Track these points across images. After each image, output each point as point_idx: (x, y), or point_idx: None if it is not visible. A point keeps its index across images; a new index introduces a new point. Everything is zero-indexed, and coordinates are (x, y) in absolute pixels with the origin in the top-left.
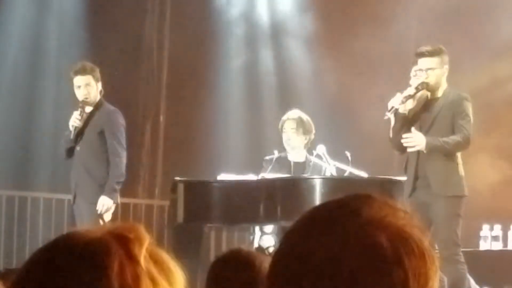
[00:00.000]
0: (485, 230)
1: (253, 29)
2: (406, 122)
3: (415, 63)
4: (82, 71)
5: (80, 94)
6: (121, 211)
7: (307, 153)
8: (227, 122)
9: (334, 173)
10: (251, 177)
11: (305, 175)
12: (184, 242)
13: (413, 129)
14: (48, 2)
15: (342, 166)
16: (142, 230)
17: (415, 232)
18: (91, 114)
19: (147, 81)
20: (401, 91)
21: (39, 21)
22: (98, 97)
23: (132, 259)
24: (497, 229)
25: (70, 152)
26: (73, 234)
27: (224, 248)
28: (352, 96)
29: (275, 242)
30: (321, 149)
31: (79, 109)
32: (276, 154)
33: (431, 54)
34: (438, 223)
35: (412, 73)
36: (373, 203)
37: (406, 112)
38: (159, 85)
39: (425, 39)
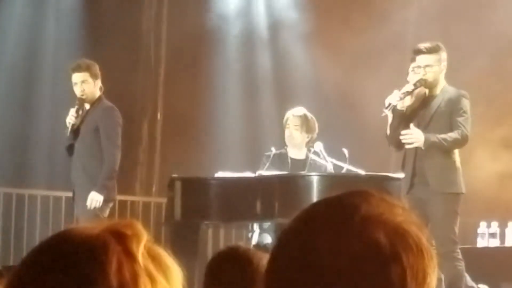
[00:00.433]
0: (482, 227)
1: (251, 25)
2: (404, 118)
3: (413, 60)
4: (78, 68)
5: (77, 91)
6: (119, 209)
7: (307, 151)
8: (224, 119)
9: (332, 170)
10: (248, 174)
11: (302, 172)
12: (181, 239)
13: (411, 125)
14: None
15: (340, 163)
16: (139, 227)
17: (413, 228)
18: (88, 111)
19: (144, 78)
20: (399, 88)
21: (37, 18)
22: (96, 94)
23: (130, 256)
24: (495, 226)
25: (71, 149)
26: (71, 231)
27: (222, 245)
28: (349, 93)
29: (273, 239)
30: (318, 146)
31: (76, 106)
32: (273, 150)
33: (429, 51)
34: (436, 220)
35: (410, 70)
36: (371, 200)
37: (404, 108)
38: (156, 82)
39: (424, 34)
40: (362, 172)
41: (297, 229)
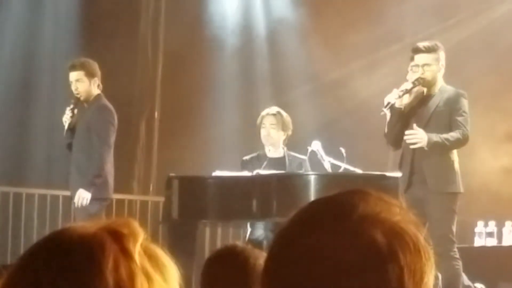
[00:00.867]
0: (479, 226)
1: (249, 25)
2: (402, 117)
3: (412, 59)
4: (72, 67)
5: (72, 90)
6: (116, 207)
7: (285, 149)
8: (222, 119)
9: (329, 169)
10: (246, 173)
11: (300, 171)
12: (179, 238)
13: (415, 125)
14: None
15: (337, 162)
16: (136, 225)
17: (410, 228)
18: (83, 110)
19: (142, 77)
20: (398, 87)
21: (35, 17)
22: (93, 93)
23: (127, 255)
24: (492, 226)
25: (70, 148)
26: (67, 230)
27: (219, 244)
28: (348, 92)
29: (270, 238)
30: (316, 145)
31: (71, 105)
32: (258, 152)
33: (427, 50)
34: (434, 219)
35: (409, 69)
36: (368, 199)
37: (402, 106)
38: (153, 81)
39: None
40: (359, 171)
41: (294, 228)
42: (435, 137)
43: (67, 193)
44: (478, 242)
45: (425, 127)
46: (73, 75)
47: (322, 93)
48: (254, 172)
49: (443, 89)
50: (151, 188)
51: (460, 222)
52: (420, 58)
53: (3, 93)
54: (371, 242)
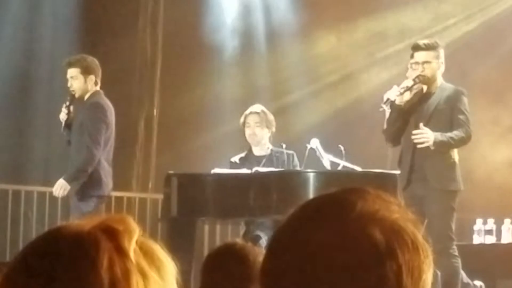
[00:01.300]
0: (478, 224)
1: (248, 22)
2: (402, 114)
3: (412, 56)
4: (68, 64)
5: (68, 87)
6: (115, 205)
7: (271, 146)
8: (221, 117)
9: (328, 167)
10: (244, 171)
11: (299, 169)
12: (177, 235)
13: (421, 125)
14: None
15: (336, 159)
16: (131, 222)
17: (408, 225)
18: (79, 107)
19: (141, 75)
20: (397, 83)
21: (33, 14)
22: (89, 90)
23: (122, 252)
24: (491, 223)
25: (70, 144)
26: (62, 228)
27: (218, 241)
28: (346, 90)
29: (269, 235)
30: (314, 142)
31: (67, 102)
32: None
33: (427, 47)
34: (433, 217)
35: (409, 66)
36: (367, 197)
37: (402, 104)
38: (152, 79)
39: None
40: (358, 168)
41: (292, 225)
42: (441, 136)
43: None
44: (477, 239)
45: (426, 125)
46: (69, 72)
47: (320, 91)
48: (253, 170)
49: (443, 87)
50: (150, 186)
51: (458, 219)
52: (420, 56)
53: (2, 91)
54: (370, 240)
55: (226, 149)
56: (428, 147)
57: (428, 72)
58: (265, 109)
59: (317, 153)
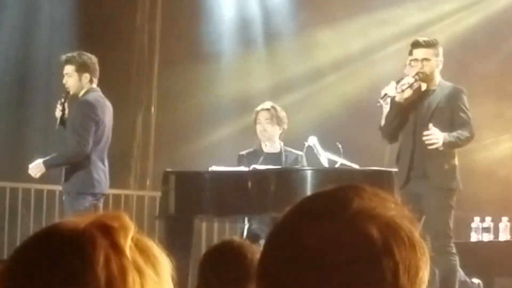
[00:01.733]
0: (476, 221)
1: (245, 19)
2: (401, 111)
3: (410, 53)
4: (64, 61)
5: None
6: (113, 202)
7: (282, 144)
8: (218, 114)
9: (326, 165)
10: (242, 168)
11: (296, 166)
12: (175, 233)
13: (431, 125)
14: None
15: (334, 157)
16: (126, 218)
17: (405, 223)
18: (72, 104)
19: (138, 72)
20: (396, 79)
21: (30, 13)
22: (83, 87)
23: (118, 250)
24: (488, 221)
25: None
26: (57, 226)
27: (216, 239)
28: (343, 88)
29: (266, 233)
30: (312, 140)
31: (62, 99)
32: (254, 147)
33: (427, 45)
34: (431, 214)
35: (407, 63)
36: (364, 194)
37: (402, 100)
38: (150, 76)
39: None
40: (356, 166)
41: (289, 223)
42: (449, 137)
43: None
44: (475, 237)
45: (428, 123)
46: (65, 69)
47: (318, 89)
48: (251, 167)
49: (442, 85)
50: (147, 183)
51: (456, 217)
52: (419, 53)
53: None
54: (366, 237)
55: (224, 147)
56: (427, 145)
57: (427, 70)
58: (276, 106)
59: (315, 150)
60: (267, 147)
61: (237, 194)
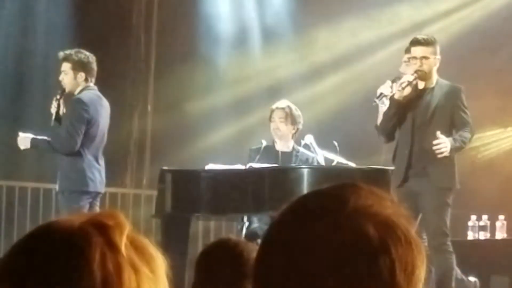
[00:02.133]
0: (472, 220)
1: (243, 16)
2: (400, 109)
3: (408, 51)
4: (62, 58)
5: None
6: (109, 201)
7: (294, 143)
8: (215, 112)
9: (322, 163)
10: (239, 166)
11: (293, 165)
12: (172, 231)
13: (438, 133)
14: None
15: (330, 155)
16: (121, 217)
17: (402, 221)
18: (67, 102)
19: (134, 70)
20: (391, 78)
21: (27, 10)
22: (78, 85)
23: (113, 247)
24: (485, 219)
25: None
26: (52, 225)
27: (212, 237)
28: (341, 86)
29: (263, 231)
30: (309, 138)
31: (58, 95)
32: (264, 143)
33: (426, 43)
34: (429, 213)
35: (404, 61)
36: (360, 192)
37: (401, 98)
38: (146, 75)
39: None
40: (352, 164)
41: (286, 221)
42: (455, 142)
43: None
44: (471, 235)
45: (428, 122)
46: (62, 66)
47: (315, 87)
48: (247, 166)
49: (440, 83)
50: (144, 182)
51: (453, 215)
52: (418, 51)
53: None
54: (363, 235)
55: (220, 145)
56: (427, 143)
57: (426, 68)
58: (291, 105)
59: (311, 148)
60: (278, 145)
61: (234, 193)
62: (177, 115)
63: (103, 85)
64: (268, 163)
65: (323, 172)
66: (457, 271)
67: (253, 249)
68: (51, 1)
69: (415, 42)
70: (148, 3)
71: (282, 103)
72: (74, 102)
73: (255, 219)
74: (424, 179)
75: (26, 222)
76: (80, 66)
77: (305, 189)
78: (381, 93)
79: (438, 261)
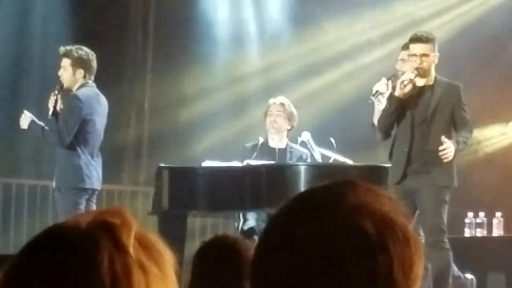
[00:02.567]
0: (469, 217)
1: (240, 14)
2: (400, 106)
3: (405, 48)
4: (62, 53)
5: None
6: (106, 198)
7: (288, 140)
8: (212, 109)
9: (320, 160)
10: (235, 164)
11: (291, 162)
12: (168, 228)
13: (443, 137)
14: None
15: (327, 152)
16: (128, 215)
17: (399, 218)
18: (64, 97)
19: (132, 68)
20: (387, 76)
21: (25, 5)
22: (77, 82)
23: (121, 249)
24: (482, 216)
25: None
26: (58, 230)
27: (209, 234)
28: (338, 85)
29: (261, 228)
30: (305, 135)
31: (55, 90)
32: (261, 140)
33: (426, 40)
34: (426, 210)
35: (400, 58)
36: (358, 190)
37: (401, 95)
38: (143, 72)
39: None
40: (349, 161)
41: (284, 218)
42: (458, 145)
43: None
44: (468, 232)
45: (429, 120)
46: (62, 61)
47: (313, 85)
48: (244, 163)
49: (439, 81)
50: (141, 179)
51: (450, 212)
52: (418, 48)
53: None
54: (361, 232)
55: (217, 142)
56: (427, 141)
57: (425, 65)
58: (289, 102)
59: (308, 146)
60: (274, 142)
61: (231, 190)
62: (174, 113)
63: (101, 82)
64: (263, 160)
65: (320, 169)
66: (454, 268)
67: (250, 246)
68: (49, 4)
69: (415, 39)
70: (145, 2)
71: (280, 98)
72: (70, 99)
73: (250, 217)
74: (423, 177)
75: (23, 220)
76: (79, 63)
77: (302, 186)
78: (377, 91)
79: (435, 258)
